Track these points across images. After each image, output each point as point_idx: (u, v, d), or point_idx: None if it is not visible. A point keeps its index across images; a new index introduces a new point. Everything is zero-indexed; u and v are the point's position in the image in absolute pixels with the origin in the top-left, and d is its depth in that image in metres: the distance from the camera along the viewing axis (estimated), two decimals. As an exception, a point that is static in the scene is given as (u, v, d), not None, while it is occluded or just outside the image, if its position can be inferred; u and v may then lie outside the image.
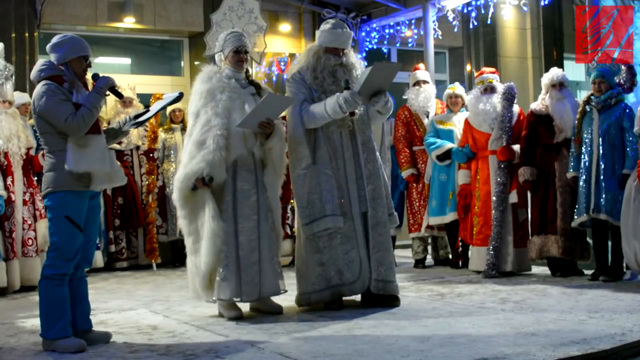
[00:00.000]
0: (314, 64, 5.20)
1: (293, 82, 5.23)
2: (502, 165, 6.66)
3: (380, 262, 5.17)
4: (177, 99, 4.49)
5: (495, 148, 6.74)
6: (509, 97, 6.75)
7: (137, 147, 8.19)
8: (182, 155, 5.01)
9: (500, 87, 6.91)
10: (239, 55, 5.04)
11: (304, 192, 5.12)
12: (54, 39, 4.23)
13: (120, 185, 4.46)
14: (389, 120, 7.71)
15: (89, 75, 4.32)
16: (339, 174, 5.15)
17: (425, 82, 7.69)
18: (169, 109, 8.40)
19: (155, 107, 4.53)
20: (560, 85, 6.56)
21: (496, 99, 6.84)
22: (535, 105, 6.64)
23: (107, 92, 4.25)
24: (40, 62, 4.24)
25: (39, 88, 4.13)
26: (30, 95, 7.51)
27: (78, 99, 4.14)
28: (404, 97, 7.77)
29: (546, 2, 9.02)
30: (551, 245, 6.42)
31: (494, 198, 6.66)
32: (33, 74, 4.20)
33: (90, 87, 4.31)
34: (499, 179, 6.66)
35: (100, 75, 4.28)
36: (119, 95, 4.41)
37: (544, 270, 6.75)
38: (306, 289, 5.15)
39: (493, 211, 6.65)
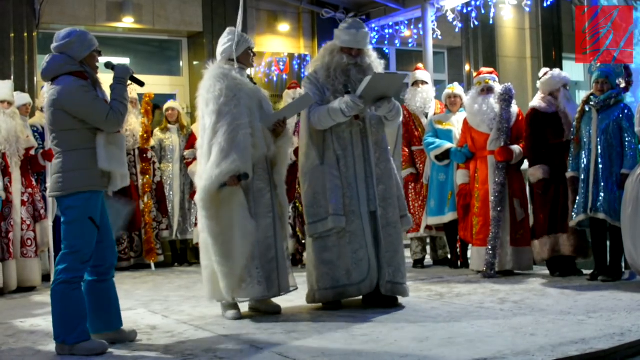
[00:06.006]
0: (329, 63, 5.23)
1: (308, 82, 5.28)
2: (500, 166, 6.65)
3: (389, 263, 5.16)
4: (139, 82, 4.28)
5: (493, 148, 6.73)
6: (506, 98, 6.73)
7: (138, 148, 8.17)
8: (200, 155, 4.89)
9: (498, 88, 6.90)
10: (253, 55, 5.14)
11: (311, 191, 5.14)
12: (61, 37, 4.02)
13: (124, 186, 4.26)
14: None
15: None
16: (348, 173, 5.14)
17: (423, 82, 7.68)
18: (164, 108, 8.46)
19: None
20: (565, 86, 6.62)
21: (493, 100, 6.83)
22: (538, 105, 6.61)
23: (129, 82, 4.12)
24: (58, 56, 4.00)
25: (66, 83, 3.91)
26: (31, 96, 7.58)
27: (102, 95, 4.01)
28: (401, 97, 7.77)
29: (549, 3, 9.02)
30: (563, 244, 6.43)
31: (492, 198, 6.64)
32: (53, 67, 3.97)
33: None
34: (497, 179, 6.65)
35: (116, 64, 4.12)
36: (140, 83, 4.23)
37: (543, 270, 6.75)
38: (313, 287, 5.18)
39: (491, 211, 6.64)
